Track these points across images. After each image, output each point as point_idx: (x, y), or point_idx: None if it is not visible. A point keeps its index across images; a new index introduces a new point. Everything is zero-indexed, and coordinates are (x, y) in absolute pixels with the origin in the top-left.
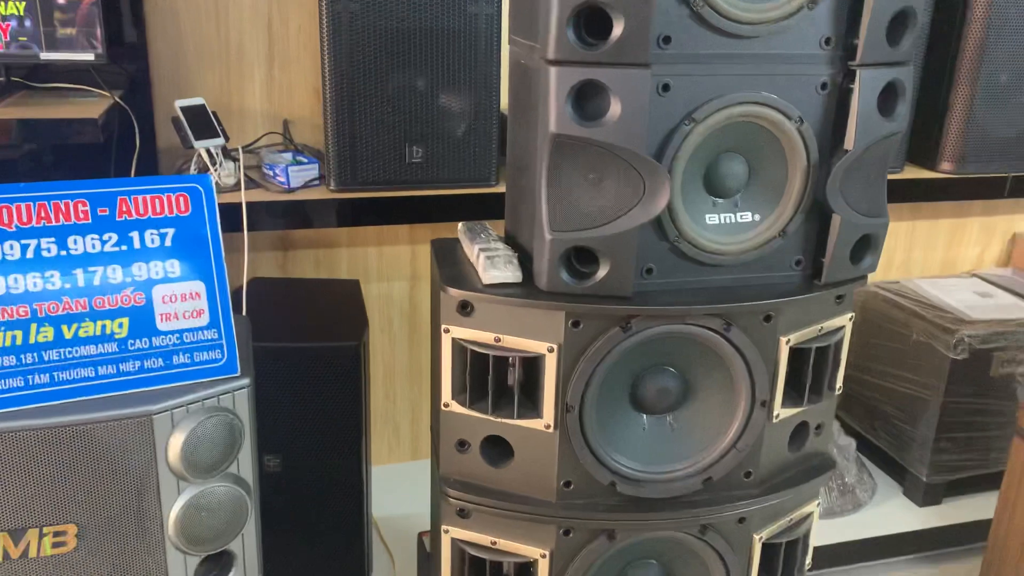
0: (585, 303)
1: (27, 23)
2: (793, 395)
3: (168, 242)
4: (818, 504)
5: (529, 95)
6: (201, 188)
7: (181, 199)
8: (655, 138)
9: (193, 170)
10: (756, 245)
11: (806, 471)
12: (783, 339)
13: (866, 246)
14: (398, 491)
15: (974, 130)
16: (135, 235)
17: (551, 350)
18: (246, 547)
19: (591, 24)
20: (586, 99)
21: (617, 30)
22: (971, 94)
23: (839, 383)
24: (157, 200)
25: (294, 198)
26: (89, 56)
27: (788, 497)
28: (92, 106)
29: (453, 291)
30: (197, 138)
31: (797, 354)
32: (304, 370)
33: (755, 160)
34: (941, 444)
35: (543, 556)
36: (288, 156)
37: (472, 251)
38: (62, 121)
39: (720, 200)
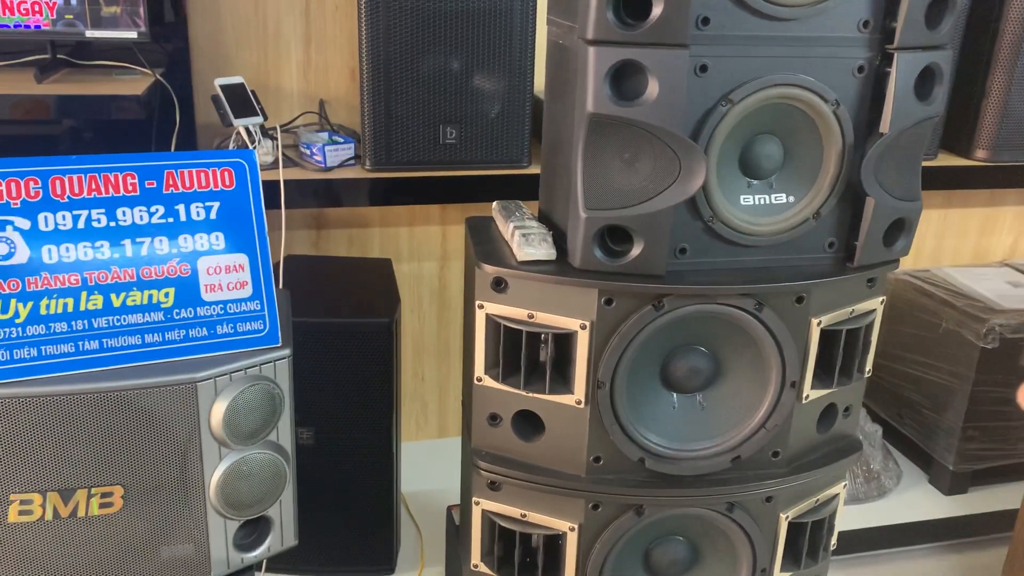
0: (618, 281)
1: (73, 1)
2: (823, 377)
3: (213, 215)
4: (844, 486)
5: (566, 75)
6: (245, 163)
7: (226, 174)
8: (692, 118)
9: (232, 147)
10: (790, 227)
11: (833, 452)
12: (814, 321)
13: (899, 229)
14: (426, 467)
15: (1010, 118)
16: (181, 208)
17: (584, 327)
18: (283, 513)
19: (630, 5)
20: (623, 79)
21: (656, 10)
22: (1008, 81)
23: (869, 366)
24: (203, 174)
25: (330, 176)
26: (132, 34)
27: (815, 478)
28: (135, 83)
29: (488, 267)
30: (236, 116)
31: (828, 336)
32: (337, 346)
33: (790, 142)
34: (968, 433)
35: (571, 529)
36: (325, 136)
37: (507, 229)
38: (106, 97)
39: (755, 181)
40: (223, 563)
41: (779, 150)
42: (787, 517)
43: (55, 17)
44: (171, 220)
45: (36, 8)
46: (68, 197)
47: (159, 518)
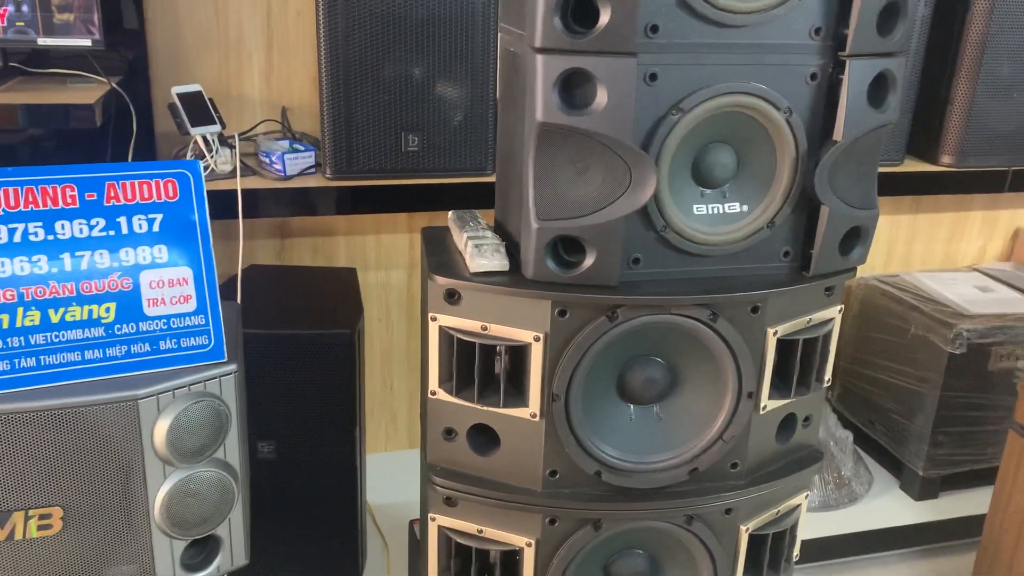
0: (571, 292)
1: (24, 8)
2: (781, 387)
3: (156, 227)
4: (806, 496)
5: (518, 83)
6: (189, 174)
7: (169, 185)
8: (642, 127)
9: (189, 156)
10: (744, 236)
11: (794, 463)
12: (770, 330)
13: (855, 238)
14: (395, 479)
15: (975, 123)
16: (123, 220)
17: (537, 339)
18: (233, 532)
19: (579, 12)
20: (573, 88)
21: (604, 18)
22: (972, 87)
23: (828, 375)
24: (145, 185)
25: (290, 185)
26: (86, 42)
27: (775, 489)
28: (89, 92)
29: (440, 279)
30: (193, 124)
31: (785, 346)
32: (298, 358)
33: (744, 150)
34: (938, 438)
35: (528, 545)
36: (285, 144)
37: (461, 239)
38: (58, 107)
39: (708, 190)
40: None
41: (732, 159)
42: (747, 529)
43: (5, 24)
44: (112, 233)
45: None
46: (3, 210)
47: (101, 540)
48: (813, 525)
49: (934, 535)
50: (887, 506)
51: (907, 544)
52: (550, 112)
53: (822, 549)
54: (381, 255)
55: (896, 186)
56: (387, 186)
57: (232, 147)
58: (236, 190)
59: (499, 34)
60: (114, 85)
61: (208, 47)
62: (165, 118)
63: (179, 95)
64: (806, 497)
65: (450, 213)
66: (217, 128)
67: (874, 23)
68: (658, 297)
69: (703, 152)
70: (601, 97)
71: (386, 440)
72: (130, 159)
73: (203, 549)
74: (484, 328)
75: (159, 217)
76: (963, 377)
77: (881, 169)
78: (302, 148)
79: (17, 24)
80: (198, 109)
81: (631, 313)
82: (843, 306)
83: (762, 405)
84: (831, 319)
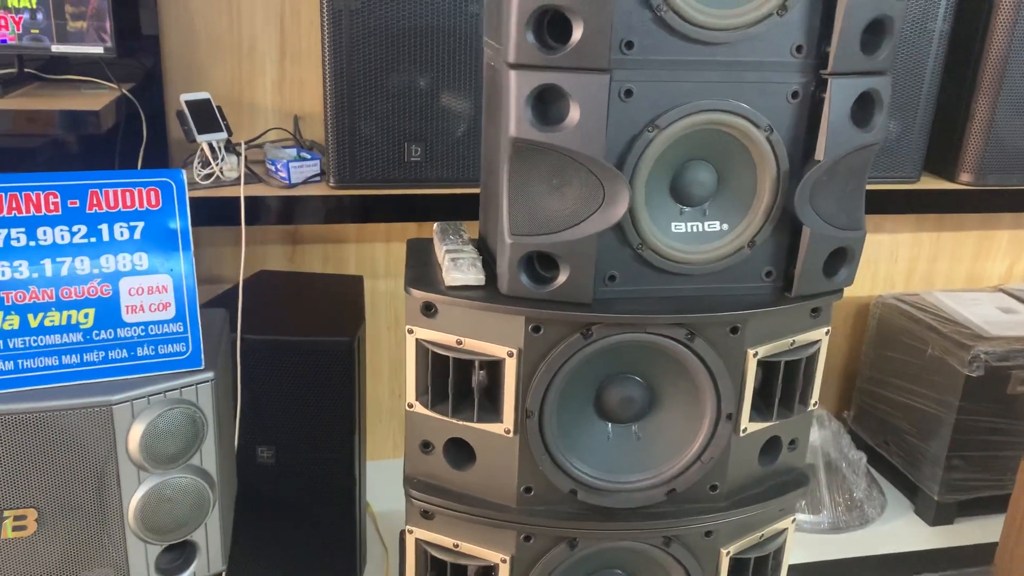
0: (545, 308)
1: (39, 16)
2: (763, 409)
3: (137, 235)
4: (793, 520)
5: (496, 97)
6: (172, 183)
7: (152, 193)
8: (617, 144)
9: (196, 164)
10: (724, 255)
11: (778, 486)
12: (751, 351)
13: (841, 259)
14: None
15: (995, 141)
16: (104, 227)
17: (511, 354)
18: (209, 538)
19: (555, 28)
20: (548, 104)
21: (576, 34)
22: (992, 104)
23: (814, 398)
24: (128, 194)
25: (294, 193)
26: (98, 49)
27: (757, 512)
28: (97, 98)
29: (416, 292)
30: (200, 132)
31: (767, 367)
32: (297, 364)
33: (724, 168)
34: (954, 463)
35: (503, 561)
36: (292, 152)
37: (440, 252)
38: (63, 112)
39: (687, 208)
40: None
41: (712, 177)
42: (728, 552)
43: (21, 32)
44: (93, 240)
45: (3, 23)
46: None
47: (76, 543)
48: (821, 547)
49: (947, 562)
50: (899, 530)
51: (918, 570)
52: (523, 128)
53: (829, 572)
54: (391, 263)
55: (912, 204)
56: (389, 195)
57: (239, 154)
58: (240, 197)
59: (484, 48)
60: (124, 91)
61: (222, 55)
62: (179, 125)
63: (187, 102)
64: (793, 521)
65: (435, 225)
66: (223, 135)
67: (857, 41)
68: (633, 315)
69: (682, 169)
70: (574, 113)
71: (394, 447)
72: (139, 166)
73: (180, 554)
74: (459, 342)
75: (140, 225)
76: (980, 400)
77: (896, 186)
78: (308, 156)
79: (32, 31)
80: (205, 116)
81: (606, 331)
82: (830, 328)
83: (742, 427)
84: (817, 341)
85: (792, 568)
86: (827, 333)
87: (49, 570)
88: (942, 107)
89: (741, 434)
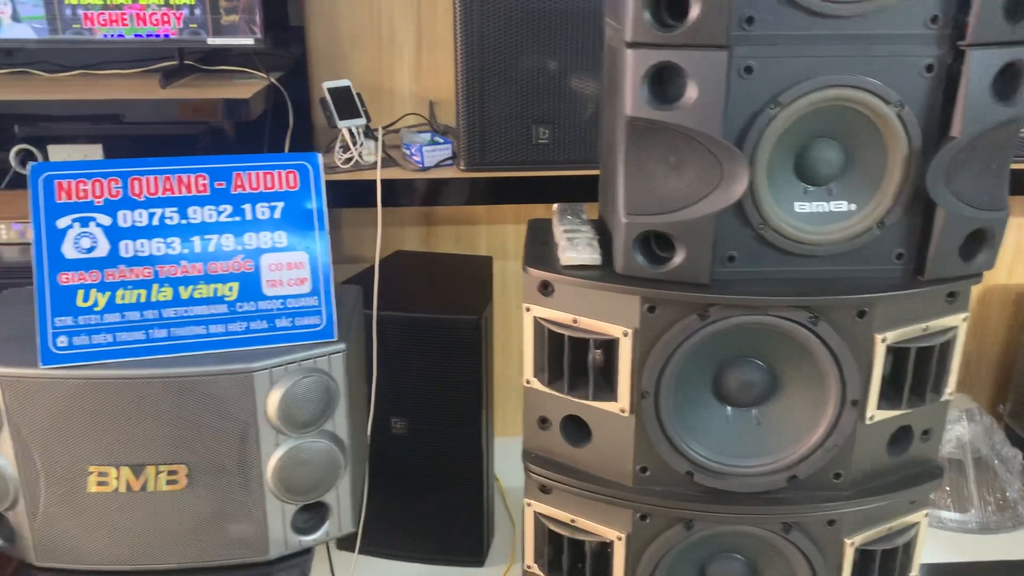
0: (661, 289)
1: (197, 11)
2: (892, 397)
3: (277, 215)
4: (926, 514)
5: (616, 77)
6: (309, 166)
7: (291, 175)
8: (737, 122)
9: (337, 148)
10: (851, 235)
11: (908, 478)
12: (878, 336)
13: (980, 241)
14: None
15: None
16: (247, 207)
17: (626, 334)
18: (340, 500)
19: (672, 6)
20: (666, 82)
21: (694, 11)
22: None
23: (950, 387)
24: (268, 176)
25: (426, 176)
26: (249, 41)
27: (885, 503)
28: (248, 87)
29: (534, 271)
30: (341, 118)
31: (897, 354)
32: (427, 340)
33: (852, 146)
34: None
35: (619, 539)
36: (426, 136)
37: (558, 232)
38: (216, 101)
39: (812, 187)
40: (281, 544)
41: (839, 155)
42: (853, 543)
43: (181, 26)
44: (238, 219)
45: (165, 19)
46: (145, 196)
47: (221, 498)
48: (968, 547)
49: None
50: None
51: None
52: (639, 106)
53: (976, 574)
54: (520, 245)
55: None
56: (517, 178)
57: (376, 139)
58: (377, 180)
59: (605, 29)
60: (272, 80)
61: (363, 44)
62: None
63: (329, 90)
64: (926, 515)
65: (555, 206)
66: (362, 121)
67: (1000, 9)
68: (752, 297)
69: (806, 147)
70: (691, 91)
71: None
72: (286, 150)
73: (314, 514)
74: (575, 321)
75: (280, 205)
76: None
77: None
78: (441, 140)
79: (191, 26)
80: (346, 103)
81: (724, 312)
82: (968, 314)
83: (869, 415)
84: (953, 327)
85: (935, 567)
86: (965, 319)
87: (200, 522)
88: None
89: (868, 422)
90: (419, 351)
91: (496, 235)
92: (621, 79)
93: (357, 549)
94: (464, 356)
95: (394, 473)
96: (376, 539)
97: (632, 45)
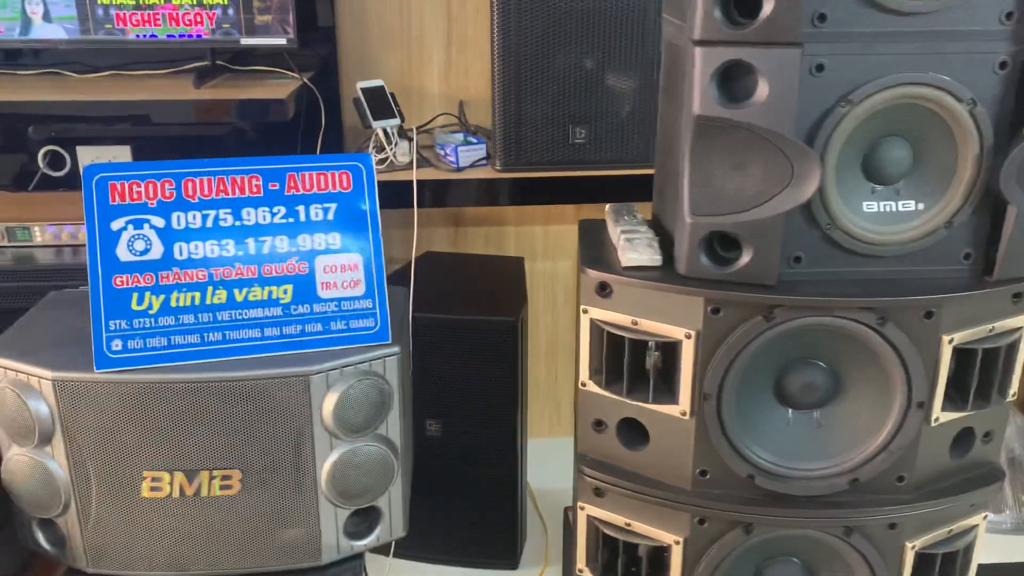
0: (726, 290)
1: (230, 11)
2: (956, 399)
3: (331, 216)
4: (985, 517)
5: (678, 75)
6: (362, 167)
7: (344, 176)
8: (807, 120)
9: (371, 148)
10: (919, 236)
11: (970, 480)
12: (945, 338)
13: None
14: (556, 465)
15: None
16: (301, 209)
17: (689, 336)
18: (392, 505)
19: (741, 3)
20: (734, 80)
21: (767, 8)
22: None
23: (1013, 389)
24: (322, 177)
25: (462, 177)
26: (281, 41)
27: (947, 506)
28: (282, 87)
29: (592, 272)
30: (375, 118)
31: (962, 355)
32: (463, 342)
33: (921, 145)
34: None
35: (677, 543)
36: (459, 136)
37: (615, 233)
38: (252, 101)
39: (880, 187)
40: (333, 549)
41: (907, 154)
42: (914, 547)
43: (214, 27)
44: (291, 220)
45: (198, 19)
46: (198, 198)
47: (275, 503)
48: (1004, 548)
49: None
50: None
51: None
52: (708, 105)
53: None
54: (549, 246)
55: None
56: (553, 178)
57: (410, 139)
58: (412, 181)
59: (663, 26)
60: (305, 80)
61: (393, 44)
62: (353, 112)
63: (363, 90)
64: (985, 518)
65: (607, 206)
66: (396, 121)
67: None
68: (819, 298)
69: (875, 146)
70: (762, 89)
71: (550, 426)
72: (318, 150)
73: (365, 519)
74: (634, 323)
75: (334, 206)
76: None
77: None
78: (475, 141)
79: (224, 26)
80: (380, 103)
81: (790, 314)
82: None
83: (934, 417)
84: (1018, 328)
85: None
86: None
87: (253, 527)
88: None
89: (932, 424)
90: (454, 353)
91: (525, 236)
92: (686, 77)
93: (391, 552)
94: (500, 358)
95: (428, 475)
96: (408, 541)
97: (700, 43)
